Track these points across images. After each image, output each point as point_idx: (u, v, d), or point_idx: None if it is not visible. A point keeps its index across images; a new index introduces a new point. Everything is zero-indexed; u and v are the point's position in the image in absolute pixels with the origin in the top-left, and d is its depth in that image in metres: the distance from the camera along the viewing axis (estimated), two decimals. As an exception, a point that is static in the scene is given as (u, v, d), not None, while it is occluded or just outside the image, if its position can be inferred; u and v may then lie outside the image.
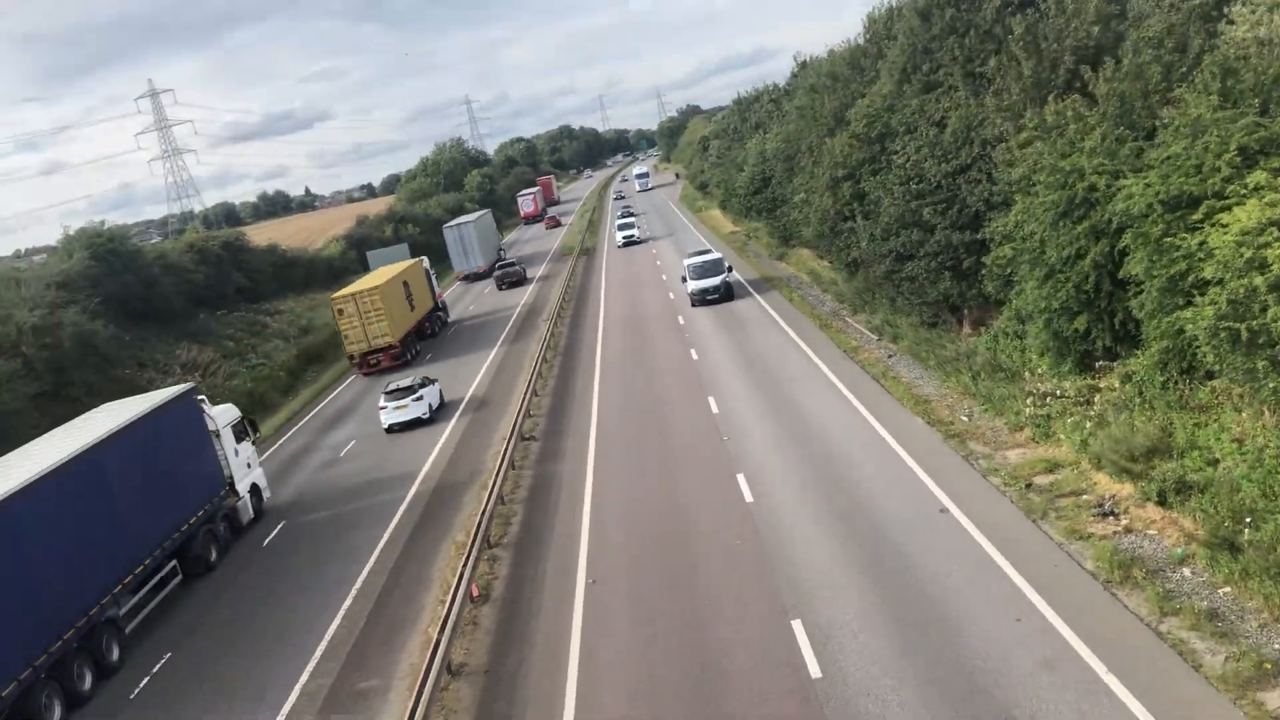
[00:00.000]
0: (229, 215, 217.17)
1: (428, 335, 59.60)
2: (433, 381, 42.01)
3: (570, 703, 17.48)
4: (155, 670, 22.80)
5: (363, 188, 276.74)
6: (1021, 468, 22.84)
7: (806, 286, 50.98)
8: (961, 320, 35.27)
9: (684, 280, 51.80)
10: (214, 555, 28.42)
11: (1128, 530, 19.05)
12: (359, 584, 25.13)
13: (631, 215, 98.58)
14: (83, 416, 29.23)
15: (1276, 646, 14.73)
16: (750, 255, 66.83)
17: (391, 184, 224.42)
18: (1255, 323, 17.65)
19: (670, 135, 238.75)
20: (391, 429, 39.41)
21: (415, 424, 39.28)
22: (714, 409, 32.60)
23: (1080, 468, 21.96)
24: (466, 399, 42.48)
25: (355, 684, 20.16)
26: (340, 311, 51.27)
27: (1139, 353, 23.26)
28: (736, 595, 19.87)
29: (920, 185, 33.70)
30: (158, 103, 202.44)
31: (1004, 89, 30.62)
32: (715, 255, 54.08)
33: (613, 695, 17.44)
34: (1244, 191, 19.40)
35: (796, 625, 18.09)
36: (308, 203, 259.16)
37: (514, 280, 76.33)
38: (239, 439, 31.55)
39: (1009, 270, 28.33)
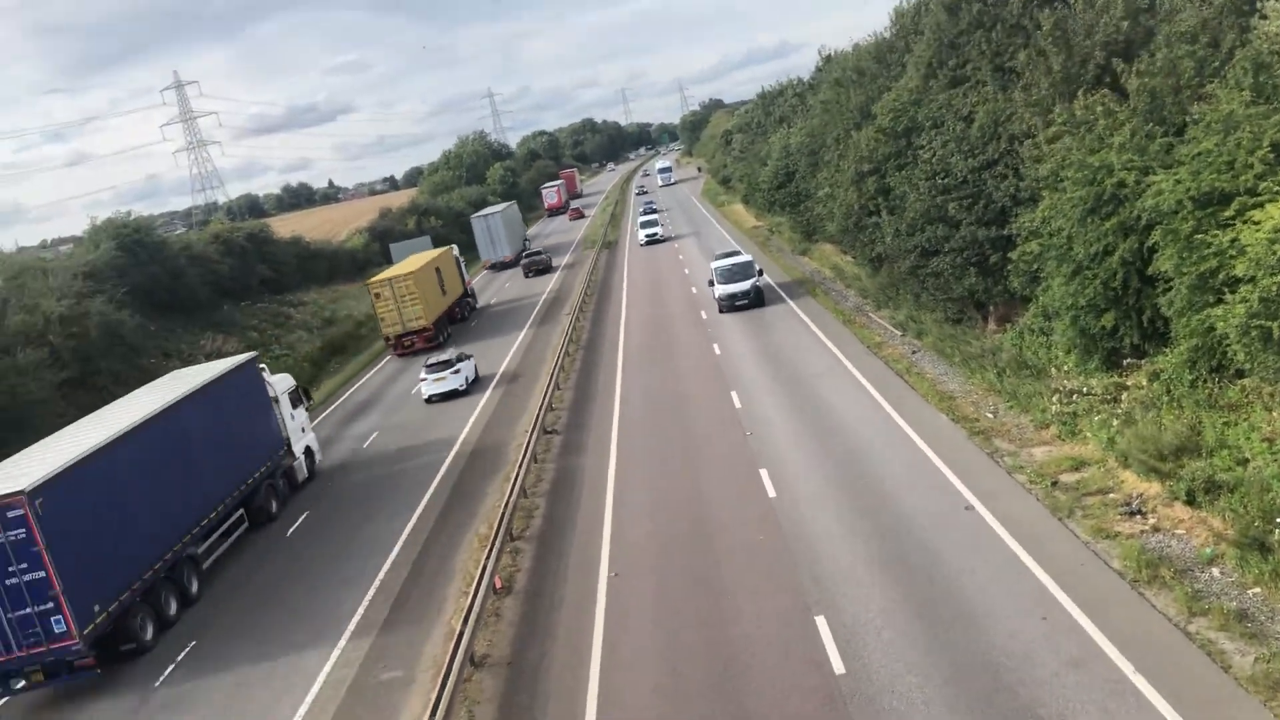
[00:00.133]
0: (253, 207, 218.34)
1: (458, 319, 62.26)
2: (469, 357, 44.78)
3: (593, 696, 17.49)
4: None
5: (385, 180, 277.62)
6: (1047, 465, 22.68)
7: (829, 282, 50.77)
8: (986, 316, 35.08)
9: (711, 284, 48.45)
10: (275, 507, 31.51)
11: (1155, 529, 18.90)
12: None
13: (654, 211, 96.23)
14: (158, 380, 33.19)
15: (1307, 648, 14.59)
16: (773, 250, 66.64)
17: (414, 177, 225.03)
18: (1288, 321, 17.47)
19: (693, 129, 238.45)
20: (431, 399, 42.39)
21: (453, 395, 42.21)
22: (737, 404, 32.54)
23: (1107, 466, 21.79)
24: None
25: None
26: (377, 295, 53.71)
27: (1167, 350, 23.08)
28: (759, 590, 19.83)
29: (946, 180, 33.52)
30: (183, 94, 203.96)
31: (1033, 83, 30.38)
32: (745, 257, 50.32)
33: (635, 689, 17.44)
34: (1277, 188, 19.19)
35: (820, 621, 18.03)
36: (331, 195, 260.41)
37: (540, 268, 79.49)
38: (294, 405, 34.59)
39: (1035, 266, 28.17)
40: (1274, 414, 19.33)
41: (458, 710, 17.73)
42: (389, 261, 78.54)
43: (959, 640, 16.59)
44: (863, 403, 30.12)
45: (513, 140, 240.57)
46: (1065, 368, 26.91)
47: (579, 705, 17.36)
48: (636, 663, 18.26)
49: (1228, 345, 19.65)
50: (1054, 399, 25.23)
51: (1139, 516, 19.48)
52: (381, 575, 25.18)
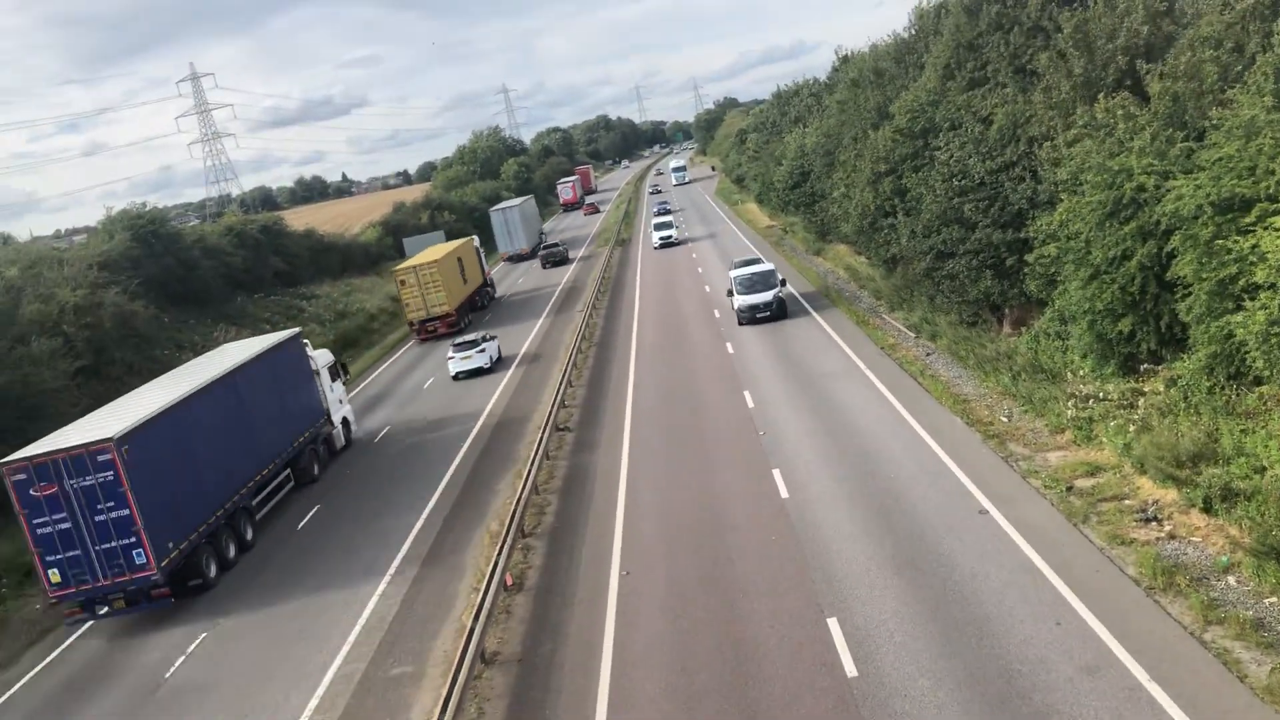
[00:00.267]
0: (266, 199, 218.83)
1: (478, 307, 65.46)
2: (493, 338, 48.08)
3: (604, 694, 17.47)
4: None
5: (399, 174, 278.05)
6: (1062, 470, 22.57)
7: (843, 282, 50.65)
8: (1002, 320, 34.94)
9: (729, 294, 45.56)
10: (316, 470, 34.50)
11: (1171, 536, 18.78)
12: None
13: (668, 212, 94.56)
14: (214, 350, 37.67)
15: (1324, 659, 14.48)
16: (786, 250, 66.53)
17: (427, 171, 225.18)
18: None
19: (707, 128, 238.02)
20: (458, 376, 45.40)
21: (478, 372, 45.32)
22: (750, 403, 32.48)
23: (1123, 472, 21.67)
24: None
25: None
26: (403, 282, 56.72)
27: (1185, 356, 22.93)
28: (771, 591, 19.78)
29: (963, 182, 33.37)
30: (198, 86, 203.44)
31: (1054, 85, 30.24)
32: (766, 266, 47.22)
33: (646, 688, 17.41)
34: (1299, 195, 19.06)
35: (832, 623, 17.97)
36: (344, 188, 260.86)
37: (557, 259, 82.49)
38: (333, 378, 37.71)
39: (1052, 270, 28.04)
40: (1292, 422, 19.20)
41: (468, 707, 17.75)
42: (402, 255, 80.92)
43: (972, 644, 16.52)
44: (876, 404, 30.03)
45: (527, 136, 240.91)
46: (1081, 372, 26.77)
47: (590, 703, 17.33)
48: (647, 661, 18.22)
49: (1247, 352, 19.51)
50: (1069, 403, 25.09)
51: (1155, 523, 19.36)
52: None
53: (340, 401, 38.16)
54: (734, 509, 24.29)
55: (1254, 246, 19.30)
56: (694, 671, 17.53)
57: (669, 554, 22.58)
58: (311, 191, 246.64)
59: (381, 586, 24.40)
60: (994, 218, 32.28)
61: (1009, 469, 23.36)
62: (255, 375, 31.54)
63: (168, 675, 22.15)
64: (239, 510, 28.74)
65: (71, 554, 24.06)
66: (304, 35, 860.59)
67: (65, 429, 26.87)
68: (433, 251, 63.88)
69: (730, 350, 40.38)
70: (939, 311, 36.84)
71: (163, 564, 24.41)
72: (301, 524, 30.44)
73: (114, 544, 24.04)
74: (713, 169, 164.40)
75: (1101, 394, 24.81)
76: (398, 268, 59.38)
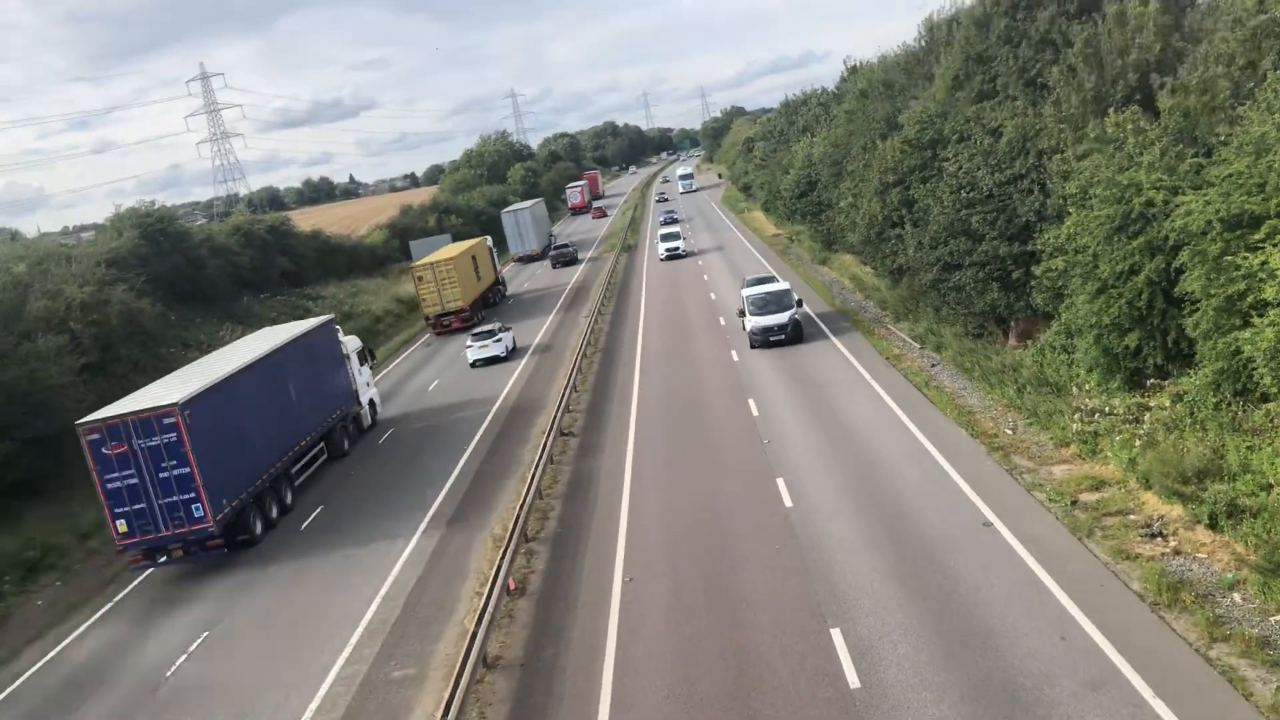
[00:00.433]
0: (273, 200, 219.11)
1: (491, 304, 68.00)
2: (509, 329, 51.44)
3: (606, 700, 17.44)
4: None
5: (406, 177, 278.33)
6: (1067, 484, 22.54)
7: (849, 292, 50.65)
8: (1007, 332, 34.90)
9: (740, 314, 42.89)
10: (346, 445, 37.19)
11: (1176, 552, 18.75)
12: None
13: (675, 221, 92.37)
14: (258, 332, 41.12)
15: (1329, 678, 14.45)
16: (792, 258, 66.57)
17: (434, 174, 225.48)
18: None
19: (714, 136, 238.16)
20: (475, 364, 48.60)
21: (494, 360, 48.51)
22: (754, 411, 32.47)
23: (1128, 487, 21.64)
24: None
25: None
26: (420, 279, 59.98)
27: (1191, 372, 22.90)
28: (775, 600, 19.75)
29: (971, 194, 33.37)
30: (208, 86, 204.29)
31: (1064, 99, 30.24)
32: (782, 285, 43.94)
33: (648, 695, 17.38)
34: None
35: (836, 634, 17.94)
36: (351, 190, 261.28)
37: (567, 260, 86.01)
38: (361, 362, 40.48)
39: (1059, 283, 28.01)
40: (1299, 440, 19.16)
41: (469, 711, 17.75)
42: (408, 258, 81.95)
43: (976, 658, 16.48)
44: (881, 415, 30.01)
45: (534, 141, 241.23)
46: (1087, 386, 26.74)
47: (591, 709, 17.30)
48: (649, 668, 18.20)
49: (1254, 369, 19.48)
50: (1075, 417, 25.07)
51: (1160, 539, 19.34)
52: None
53: (367, 384, 41.01)
54: (738, 517, 24.27)
55: (1263, 263, 19.28)
56: (696, 680, 17.50)
57: (672, 561, 22.56)
58: (319, 193, 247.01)
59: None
60: (1001, 230, 32.28)
61: (1013, 482, 23.33)
62: (295, 356, 34.31)
63: (169, 674, 22.12)
64: (280, 476, 31.54)
65: (137, 507, 26.65)
66: (314, 37, 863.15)
67: (132, 395, 29.89)
68: (449, 250, 67.03)
69: (735, 358, 40.37)
70: (945, 323, 36.82)
71: (218, 518, 27.11)
72: (303, 525, 30.51)
73: (175, 498, 26.70)
74: (719, 176, 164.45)
75: (1107, 408, 24.78)
76: (415, 264, 62.59)
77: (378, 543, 27.45)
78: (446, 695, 17.33)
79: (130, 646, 24.13)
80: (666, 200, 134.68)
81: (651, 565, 22.58)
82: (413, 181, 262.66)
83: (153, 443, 26.48)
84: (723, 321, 48.11)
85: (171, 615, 25.50)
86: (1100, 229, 24.50)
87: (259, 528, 29.58)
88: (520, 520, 24.84)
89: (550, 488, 29.03)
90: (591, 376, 42.54)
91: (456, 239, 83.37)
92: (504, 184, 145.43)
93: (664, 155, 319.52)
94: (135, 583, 28.38)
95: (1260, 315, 19.14)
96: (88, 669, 23.43)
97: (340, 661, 20.94)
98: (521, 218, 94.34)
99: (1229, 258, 20.19)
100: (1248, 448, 19.95)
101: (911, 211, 38.27)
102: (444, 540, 26.84)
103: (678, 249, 76.05)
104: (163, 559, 27.47)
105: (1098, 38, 30.46)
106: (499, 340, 49.14)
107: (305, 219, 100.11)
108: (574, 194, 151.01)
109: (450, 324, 59.68)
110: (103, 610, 26.86)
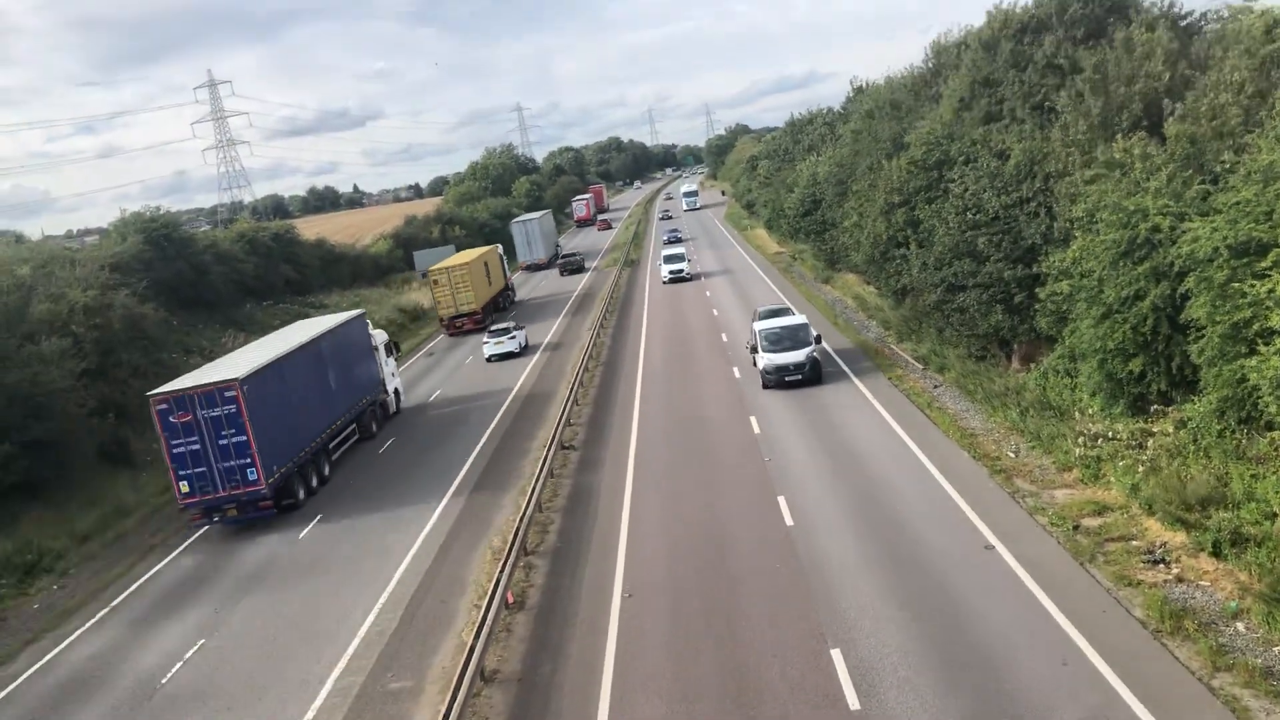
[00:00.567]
0: (278, 208, 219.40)
1: (501, 308, 71.74)
2: (522, 327, 55.72)
3: (603, 717, 17.31)
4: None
5: (410, 188, 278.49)
6: (1069, 508, 22.47)
7: (851, 311, 50.63)
8: (1010, 355, 34.88)
9: (751, 349, 39.14)
10: (375, 428, 40.81)
11: (1179, 580, 18.67)
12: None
13: (679, 241, 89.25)
14: (297, 323, 44.56)
15: (1333, 709, 14.35)
16: (795, 276, 66.58)
17: (439, 185, 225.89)
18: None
19: (718, 153, 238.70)
20: (491, 359, 52.45)
21: (509, 356, 52.50)
22: (755, 428, 32.40)
23: (1130, 512, 21.58)
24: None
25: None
26: (436, 282, 63.69)
27: (1195, 399, 22.88)
28: (775, 619, 19.65)
29: (977, 216, 33.39)
30: (215, 93, 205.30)
31: (1072, 123, 30.29)
32: (798, 318, 39.41)
33: (646, 713, 17.26)
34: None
35: (836, 655, 17.84)
36: (356, 200, 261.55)
37: (574, 268, 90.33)
38: (388, 354, 43.84)
39: (1064, 307, 28.00)
40: (1304, 469, 19.11)
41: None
42: (411, 268, 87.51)
43: (977, 682, 16.38)
44: (883, 435, 29.95)
45: (539, 155, 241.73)
46: (1090, 411, 26.70)
47: (589, 726, 17.20)
48: (648, 686, 18.08)
49: (1259, 397, 19.45)
50: (1077, 441, 25.02)
51: (1162, 565, 19.26)
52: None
53: (393, 374, 44.22)
54: (738, 535, 24.18)
55: (1270, 291, 19.28)
56: (694, 699, 17.39)
57: (672, 578, 22.45)
58: (324, 201, 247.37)
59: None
60: (1006, 252, 32.30)
61: (1015, 505, 23.26)
62: (332, 344, 37.72)
63: (164, 681, 21.98)
64: (320, 450, 34.90)
65: (199, 470, 29.96)
66: (322, 47, 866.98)
67: (196, 370, 34.17)
68: (463, 255, 71.35)
69: (737, 375, 40.31)
70: (948, 344, 36.80)
71: (270, 481, 30.48)
72: (305, 529, 30.45)
73: (233, 463, 30.00)
74: (723, 193, 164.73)
75: (1110, 433, 24.73)
76: (432, 268, 66.28)
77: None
78: (443, 709, 17.23)
79: (126, 652, 23.99)
80: (671, 218, 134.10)
81: (651, 581, 22.47)
82: (417, 192, 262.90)
83: (215, 413, 29.72)
84: (725, 338, 48.08)
85: (168, 621, 25.36)
86: (1106, 254, 24.50)
87: (302, 494, 32.87)
88: (520, 533, 24.74)
89: (550, 501, 28.94)
90: (593, 390, 42.49)
91: (460, 250, 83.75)
92: (509, 197, 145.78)
93: (668, 171, 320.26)
94: (132, 588, 28.28)
95: (1266, 343, 19.13)
96: (84, 674, 23.27)
97: (335, 673, 20.82)
98: (530, 228, 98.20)
99: (1235, 285, 20.18)
100: (1252, 476, 19.92)
101: (916, 232, 38.29)
102: (447, 542, 27.08)
103: (682, 271, 71.27)
104: (217, 517, 30.83)
105: (1105, 64, 30.53)
106: (514, 337, 53.07)
107: (309, 227, 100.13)
108: (579, 207, 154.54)
109: (463, 325, 63.26)
110: (99, 615, 26.73)
